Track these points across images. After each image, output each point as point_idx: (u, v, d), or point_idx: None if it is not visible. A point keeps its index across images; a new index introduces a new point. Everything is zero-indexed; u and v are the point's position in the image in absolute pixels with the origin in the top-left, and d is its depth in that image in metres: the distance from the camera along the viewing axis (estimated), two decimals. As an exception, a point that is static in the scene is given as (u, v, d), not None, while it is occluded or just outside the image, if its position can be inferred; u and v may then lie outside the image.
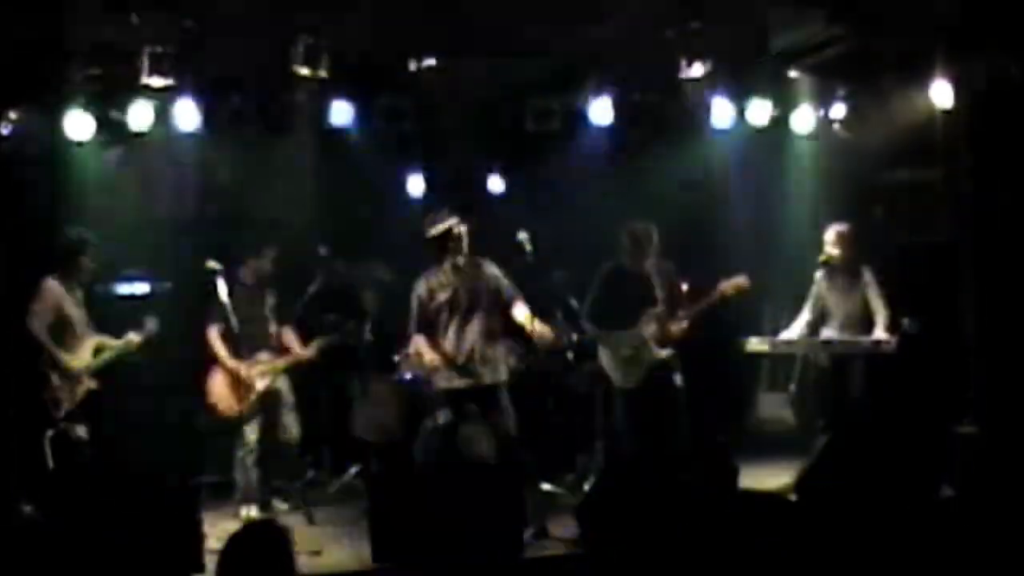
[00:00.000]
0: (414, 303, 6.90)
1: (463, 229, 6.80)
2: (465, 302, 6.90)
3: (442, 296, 6.89)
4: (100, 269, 7.21)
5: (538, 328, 6.77)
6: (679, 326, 7.48)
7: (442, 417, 6.94)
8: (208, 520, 6.18)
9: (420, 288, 6.91)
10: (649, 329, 7.52)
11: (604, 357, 7.63)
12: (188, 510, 5.96)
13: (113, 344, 7.08)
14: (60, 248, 6.93)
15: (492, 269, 6.97)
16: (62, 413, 6.78)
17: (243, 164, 8.38)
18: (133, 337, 7.11)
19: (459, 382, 6.89)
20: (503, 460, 6.90)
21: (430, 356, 6.81)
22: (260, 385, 7.20)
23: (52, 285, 6.83)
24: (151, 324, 7.17)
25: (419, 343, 6.90)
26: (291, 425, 7.33)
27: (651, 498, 3.19)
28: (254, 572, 3.40)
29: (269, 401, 7.24)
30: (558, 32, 7.36)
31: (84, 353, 6.94)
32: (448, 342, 6.87)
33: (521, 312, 6.82)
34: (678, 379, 7.50)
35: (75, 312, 6.90)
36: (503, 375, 6.95)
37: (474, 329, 6.91)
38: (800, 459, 7.43)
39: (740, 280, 7.43)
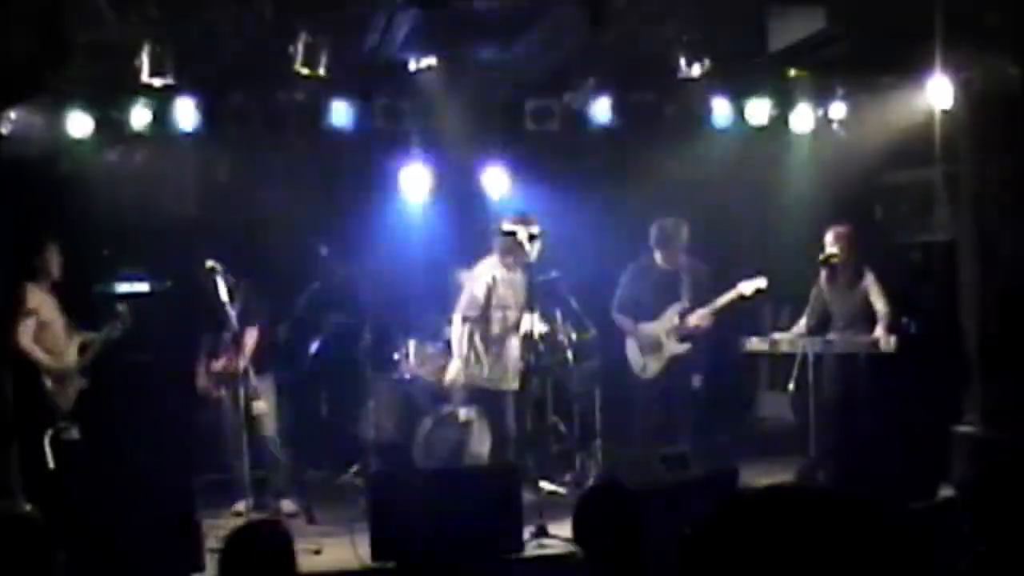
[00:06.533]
0: (480, 289, 7.21)
1: (529, 239, 7.06)
2: (514, 305, 7.27)
3: (501, 291, 7.23)
4: (96, 266, 7.22)
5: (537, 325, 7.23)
6: (698, 320, 7.74)
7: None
8: (208, 520, 6.19)
9: (486, 275, 7.24)
10: (670, 323, 7.79)
11: (630, 348, 7.92)
12: (188, 510, 5.97)
13: (95, 337, 7.14)
14: (24, 252, 6.99)
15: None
16: (59, 417, 6.84)
17: (243, 164, 8.39)
18: (113, 325, 7.14)
19: (481, 381, 7.32)
20: (501, 460, 6.98)
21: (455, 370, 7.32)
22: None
23: (31, 290, 6.90)
24: (121, 307, 7.25)
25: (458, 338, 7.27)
26: (264, 423, 7.31)
27: (648, 498, 3.19)
28: (255, 570, 3.41)
29: (231, 405, 7.16)
30: (558, 32, 7.35)
31: (71, 354, 7.04)
32: (491, 339, 7.32)
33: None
34: (696, 380, 7.81)
35: (55, 314, 6.99)
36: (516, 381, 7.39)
37: (515, 333, 7.35)
38: (800, 459, 7.49)
39: (759, 282, 7.70)
